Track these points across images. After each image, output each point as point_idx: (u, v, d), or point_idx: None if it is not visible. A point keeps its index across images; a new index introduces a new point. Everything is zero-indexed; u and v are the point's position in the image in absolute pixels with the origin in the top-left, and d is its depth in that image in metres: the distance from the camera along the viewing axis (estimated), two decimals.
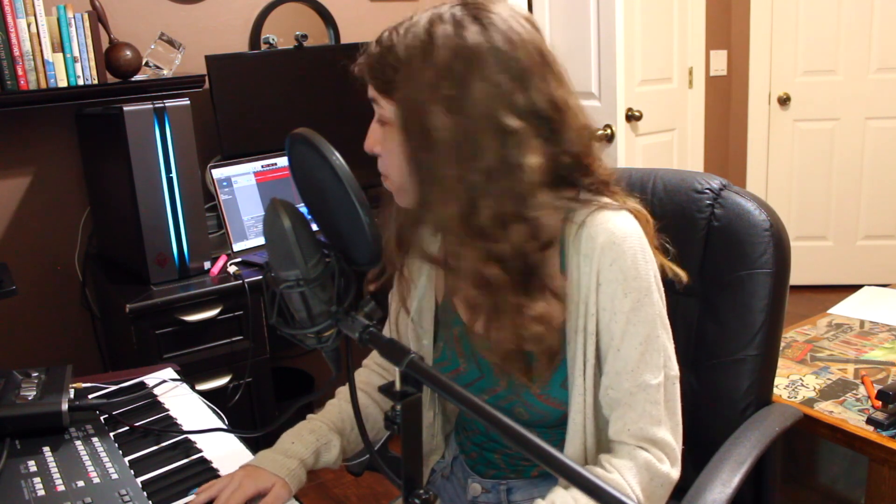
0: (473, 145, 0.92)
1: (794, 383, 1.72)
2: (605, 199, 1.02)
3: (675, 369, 1.03)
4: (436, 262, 1.07)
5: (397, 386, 0.74)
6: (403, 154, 0.96)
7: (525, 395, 1.05)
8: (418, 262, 1.15)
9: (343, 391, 1.25)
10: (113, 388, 1.41)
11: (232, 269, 2.19)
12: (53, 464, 1.12)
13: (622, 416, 1.00)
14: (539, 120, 0.95)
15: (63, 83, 2.16)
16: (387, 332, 1.23)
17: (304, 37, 2.68)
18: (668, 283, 1.07)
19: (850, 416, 1.56)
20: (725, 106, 3.81)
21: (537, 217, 0.95)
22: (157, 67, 2.34)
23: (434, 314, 1.16)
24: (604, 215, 0.99)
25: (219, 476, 1.11)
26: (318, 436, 1.15)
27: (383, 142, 0.99)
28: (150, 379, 1.46)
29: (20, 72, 2.10)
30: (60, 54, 2.14)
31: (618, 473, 0.98)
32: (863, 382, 1.69)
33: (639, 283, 0.98)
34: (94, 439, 1.19)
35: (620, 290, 0.98)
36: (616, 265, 0.97)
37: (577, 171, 1.01)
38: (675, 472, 1.01)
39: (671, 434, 1.01)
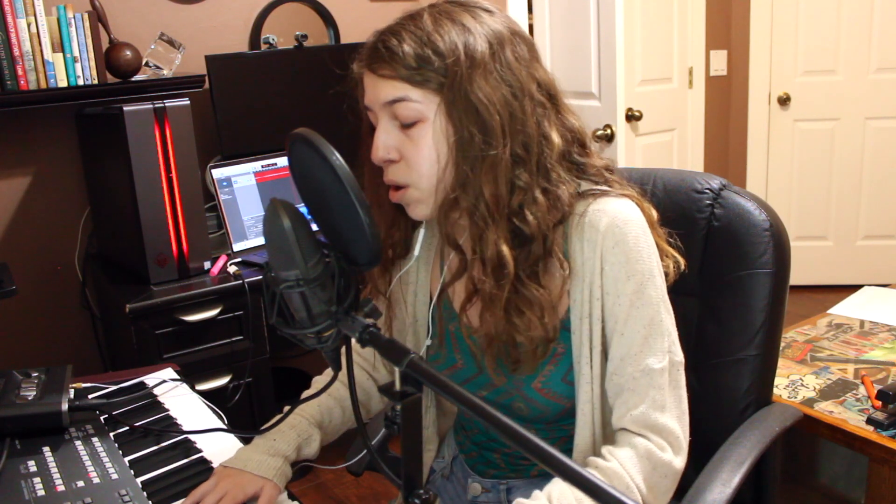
0: (520, 117, 0.97)
1: (794, 383, 1.72)
2: (606, 188, 1.03)
3: (679, 355, 1.02)
4: (455, 247, 1.05)
5: (397, 386, 0.74)
6: (446, 144, 0.97)
7: (525, 389, 1.05)
8: (415, 264, 1.16)
9: (318, 381, 1.24)
10: (113, 388, 1.41)
11: (232, 269, 2.19)
12: (53, 464, 1.11)
13: (626, 402, 1.00)
14: (549, 94, 1.01)
15: (63, 83, 2.16)
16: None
17: (304, 37, 2.68)
18: (670, 284, 1.07)
19: (850, 416, 1.56)
20: (725, 106, 3.81)
21: (556, 190, 0.99)
22: (157, 67, 2.34)
23: (428, 311, 1.17)
24: (605, 201, 1.00)
25: None
26: (298, 431, 1.14)
27: (407, 144, 0.98)
28: (150, 379, 1.46)
29: (20, 72, 2.10)
30: (60, 54, 2.14)
31: (617, 462, 0.97)
32: (863, 382, 1.69)
33: (641, 266, 0.98)
34: (94, 439, 1.19)
35: (623, 273, 0.98)
36: (619, 248, 0.98)
37: (578, 147, 1.04)
38: (678, 461, 0.99)
39: (677, 421, 1.00)
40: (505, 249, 0.96)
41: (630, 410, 0.99)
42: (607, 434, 1.05)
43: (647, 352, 0.99)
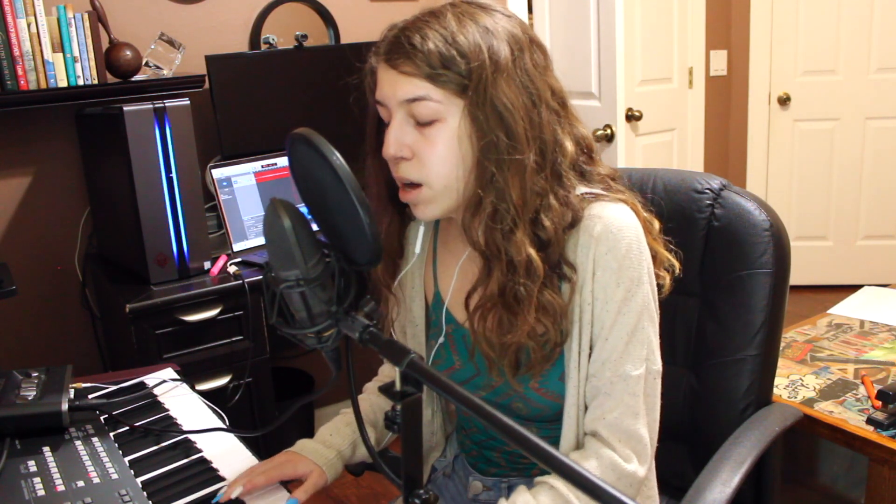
0: (537, 124, 0.97)
1: (794, 383, 1.72)
2: (601, 192, 1.03)
3: (657, 364, 1.03)
4: (480, 251, 1.03)
5: (397, 386, 0.74)
6: (470, 146, 0.96)
7: (524, 389, 1.06)
8: (411, 268, 1.16)
9: (370, 387, 1.30)
10: (113, 388, 1.41)
11: (232, 269, 2.19)
12: (53, 464, 1.12)
13: (600, 405, 1.01)
14: (561, 102, 1.02)
15: (63, 83, 2.16)
16: None
17: (304, 37, 2.68)
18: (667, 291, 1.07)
19: (850, 416, 1.56)
20: (725, 106, 3.81)
21: (568, 196, 0.99)
22: (157, 67, 2.34)
23: (425, 313, 1.17)
24: (600, 206, 1.00)
25: (219, 476, 1.11)
26: (353, 428, 1.19)
27: (422, 142, 0.97)
28: (150, 379, 1.46)
29: (20, 72, 2.09)
30: (60, 54, 2.14)
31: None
32: (863, 382, 1.69)
33: (632, 273, 0.99)
34: (94, 439, 1.19)
35: (614, 280, 0.98)
36: (611, 254, 0.98)
37: (584, 155, 1.05)
38: (641, 471, 1.01)
39: (647, 430, 1.01)
40: (533, 253, 0.97)
41: (604, 415, 1.00)
42: None
43: (627, 358, 1.00)
